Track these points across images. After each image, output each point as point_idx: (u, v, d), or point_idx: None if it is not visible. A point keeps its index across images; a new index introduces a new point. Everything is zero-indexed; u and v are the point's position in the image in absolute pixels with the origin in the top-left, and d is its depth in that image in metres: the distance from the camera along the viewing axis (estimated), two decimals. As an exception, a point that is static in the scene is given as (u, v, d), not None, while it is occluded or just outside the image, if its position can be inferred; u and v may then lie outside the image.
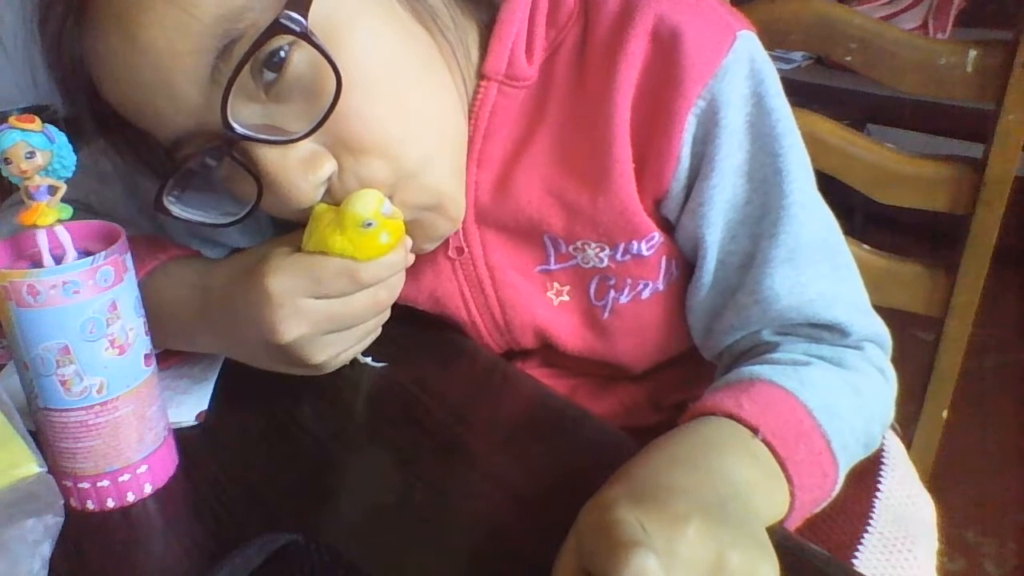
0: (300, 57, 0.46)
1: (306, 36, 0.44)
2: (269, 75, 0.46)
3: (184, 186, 0.53)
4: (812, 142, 0.58)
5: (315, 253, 0.48)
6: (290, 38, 0.45)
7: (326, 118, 0.46)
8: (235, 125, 0.46)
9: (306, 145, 0.47)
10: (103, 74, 0.49)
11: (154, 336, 0.49)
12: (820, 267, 0.55)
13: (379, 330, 0.55)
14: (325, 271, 0.47)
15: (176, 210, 0.51)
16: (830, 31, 0.76)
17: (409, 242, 0.51)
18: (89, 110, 0.52)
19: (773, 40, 0.74)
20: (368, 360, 0.60)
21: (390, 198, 0.50)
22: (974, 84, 0.72)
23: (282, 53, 0.45)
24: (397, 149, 0.50)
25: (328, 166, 0.48)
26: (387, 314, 0.54)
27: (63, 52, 0.49)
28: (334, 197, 0.49)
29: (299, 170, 0.47)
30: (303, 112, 0.47)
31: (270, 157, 0.47)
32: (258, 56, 0.45)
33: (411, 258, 0.52)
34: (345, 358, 0.54)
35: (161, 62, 0.45)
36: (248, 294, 0.49)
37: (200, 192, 0.53)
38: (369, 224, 0.47)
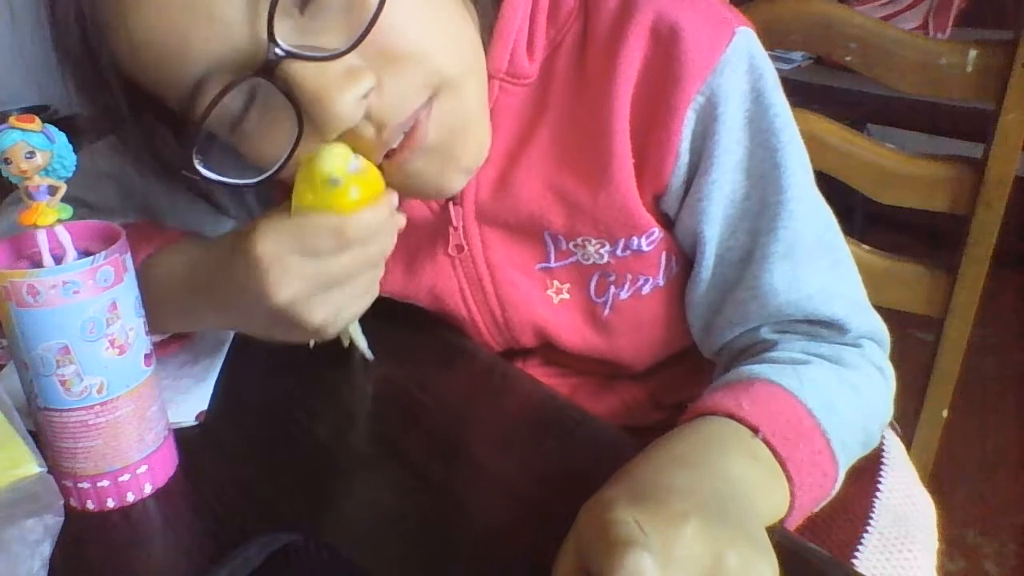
0: None
1: None
2: None
3: (204, 155, 0.50)
4: (812, 142, 0.58)
5: (301, 213, 0.47)
6: None
7: (372, 25, 0.45)
8: (280, 42, 0.44)
9: (344, 60, 0.46)
10: (131, 7, 0.46)
11: (157, 321, 0.48)
12: (819, 263, 0.56)
13: (376, 290, 0.53)
14: (311, 229, 0.46)
15: (205, 171, 0.49)
16: (830, 31, 0.76)
17: (395, 196, 0.50)
18: (93, 74, 0.50)
19: (773, 40, 0.74)
20: (363, 345, 0.60)
21: (425, 113, 0.49)
22: (974, 84, 0.72)
23: None
24: (438, 57, 0.48)
25: (367, 80, 0.46)
26: (382, 270, 0.52)
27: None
28: (374, 117, 0.48)
29: (341, 85, 0.45)
30: (339, 28, 0.46)
31: (311, 74, 0.45)
32: None
33: (402, 218, 0.51)
34: (344, 319, 0.52)
35: None
36: (238, 259, 0.48)
37: (217, 168, 0.51)
38: (335, 181, 0.46)
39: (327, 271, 0.48)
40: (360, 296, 0.52)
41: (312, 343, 0.60)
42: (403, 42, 0.47)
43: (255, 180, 0.50)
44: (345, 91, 0.45)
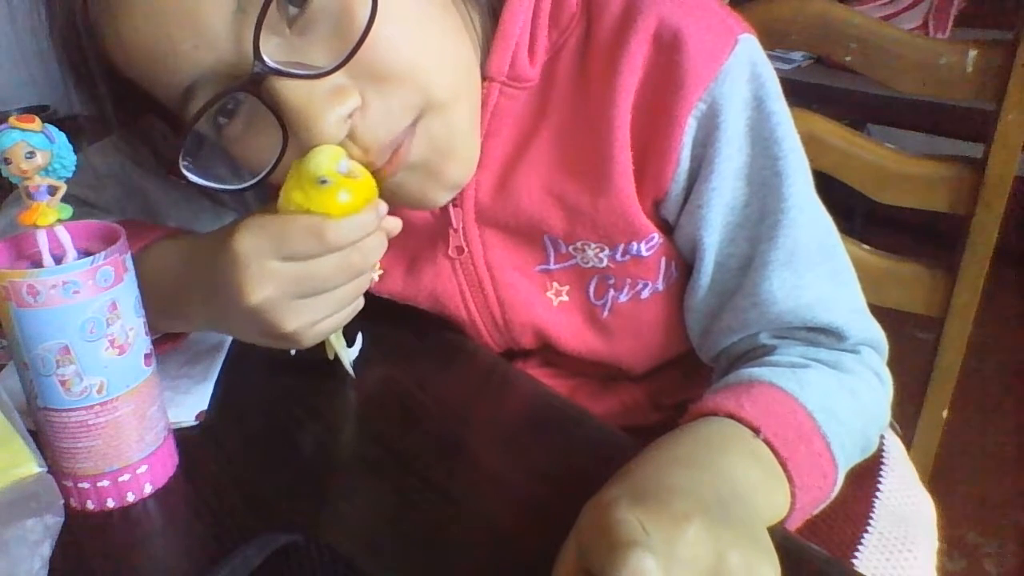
0: None
1: None
2: (294, 9, 0.45)
3: (195, 155, 0.51)
4: (812, 142, 0.58)
5: (284, 213, 0.47)
6: None
7: (359, 45, 0.45)
8: (265, 58, 0.44)
9: (331, 79, 0.46)
10: (120, 10, 0.46)
11: (150, 320, 0.48)
12: (818, 271, 0.56)
13: (360, 302, 0.53)
14: (291, 231, 0.46)
15: (191, 176, 0.50)
16: (830, 31, 0.76)
17: (383, 206, 0.49)
18: (85, 74, 0.50)
19: (773, 40, 0.74)
20: (347, 361, 0.59)
21: (411, 129, 0.49)
22: (974, 84, 0.72)
23: None
24: (425, 77, 0.48)
25: (353, 100, 0.46)
26: (365, 283, 0.52)
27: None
28: (358, 137, 0.48)
29: (325, 103, 0.45)
30: (327, 46, 0.46)
31: (296, 91, 0.45)
32: None
33: (397, 224, 0.50)
34: (322, 330, 0.51)
35: None
36: (219, 256, 0.48)
37: (209, 167, 0.52)
38: (324, 181, 0.46)
39: (305, 276, 0.47)
40: (340, 308, 0.51)
41: (293, 351, 0.59)
42: (391, 62, 0.47)
43: (240, 187, 0.51)
44: (329, 110, 0.45)
